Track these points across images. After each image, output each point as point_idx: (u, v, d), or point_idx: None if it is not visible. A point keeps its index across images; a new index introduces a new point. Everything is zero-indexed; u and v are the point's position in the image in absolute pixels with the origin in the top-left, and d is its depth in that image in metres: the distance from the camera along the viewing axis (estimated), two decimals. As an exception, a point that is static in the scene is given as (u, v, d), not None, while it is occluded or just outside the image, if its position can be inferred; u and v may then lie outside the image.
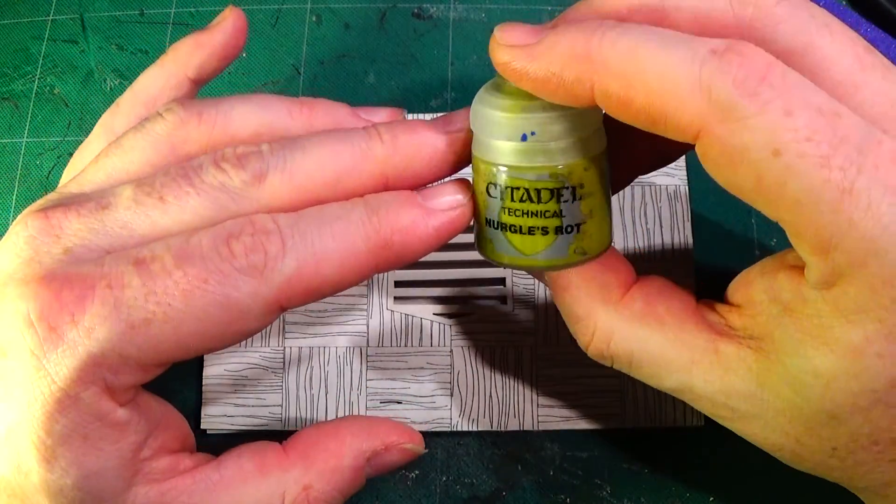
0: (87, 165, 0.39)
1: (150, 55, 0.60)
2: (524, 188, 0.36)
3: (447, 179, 0.39)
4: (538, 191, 0.35)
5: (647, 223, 0.53)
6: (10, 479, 0.34)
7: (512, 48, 0.36)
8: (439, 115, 0.41)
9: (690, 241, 0.53)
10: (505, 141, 0.35)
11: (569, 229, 0.36)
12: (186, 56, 0.44)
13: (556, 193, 0.35)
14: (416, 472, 0.51)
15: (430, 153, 0.38)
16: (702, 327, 0.37)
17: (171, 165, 0.37)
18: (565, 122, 0.34)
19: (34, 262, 0.35)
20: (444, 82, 0.58)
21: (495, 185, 0.36)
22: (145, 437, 0.36)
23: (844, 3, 0.58)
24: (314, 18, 0.59)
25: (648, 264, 0.52)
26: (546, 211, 0.36)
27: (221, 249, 0.34)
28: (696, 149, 0.32)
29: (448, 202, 0.38)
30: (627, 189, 0.53)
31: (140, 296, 0.33)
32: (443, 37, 0.59)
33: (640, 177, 0.45)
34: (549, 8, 0.59)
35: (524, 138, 0.35)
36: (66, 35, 0.60)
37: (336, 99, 0.53)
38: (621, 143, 0.39)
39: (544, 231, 0.36)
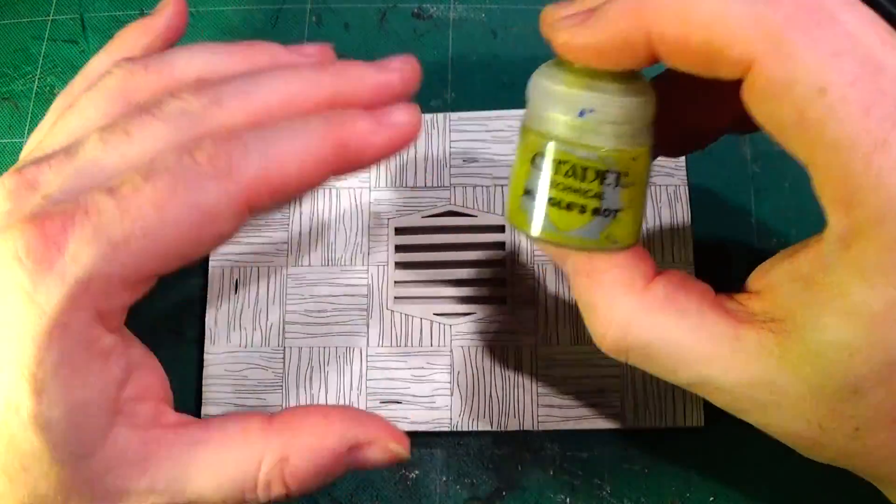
0: (45, 133, 0.41)
1: (149, 55, 0.59)
2: (571, 164, 0.36)
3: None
4: (584, 169, 0.36)
5: (646, 223, 0.53)
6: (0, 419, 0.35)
7: (569, 29, 0.36)
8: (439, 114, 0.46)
9: (690, 241, 0.53)
10: (561, 115, 0.36)
11: (606, 213, 0.36)
12: (133, 40, 0.45)
13: (600, 175, 0.36)
14: (417, 472, 0.51)
15: (373, 84, 0.40)
16: (722, 316, 0.36)
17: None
18: (623, 108, 0.35)
19: (15, 211, 0.36)
20: (444, 82, 0.58)
21: (542, 156, 0.37)
22: (127, 374, 0.38)
23: None
24: (314, 18, 0.59)
25: None
26: (588, 190, 0.36)
27: (185, 160, 0.35)
28: (744, 84, 0.32)
29: (400, 118, 0.40)
30: None
31: (116, 216, 0.34)
32: (443, 37, 0.59)
33: None
34: None
35: (581, 114, 0.35)
36: (66, 35, 0.59)
37: None
38: (675, 119, 0.40)
39: (582, 210, 0.36)
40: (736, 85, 0.33)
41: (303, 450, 0.39)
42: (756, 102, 0.32)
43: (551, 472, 0.51)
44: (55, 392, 0.34)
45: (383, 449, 0.41)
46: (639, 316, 0.37)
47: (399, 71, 0.42)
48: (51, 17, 0.60)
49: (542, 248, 0.41)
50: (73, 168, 0.37)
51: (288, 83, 0.40)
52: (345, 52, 0.57)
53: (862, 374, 0.32)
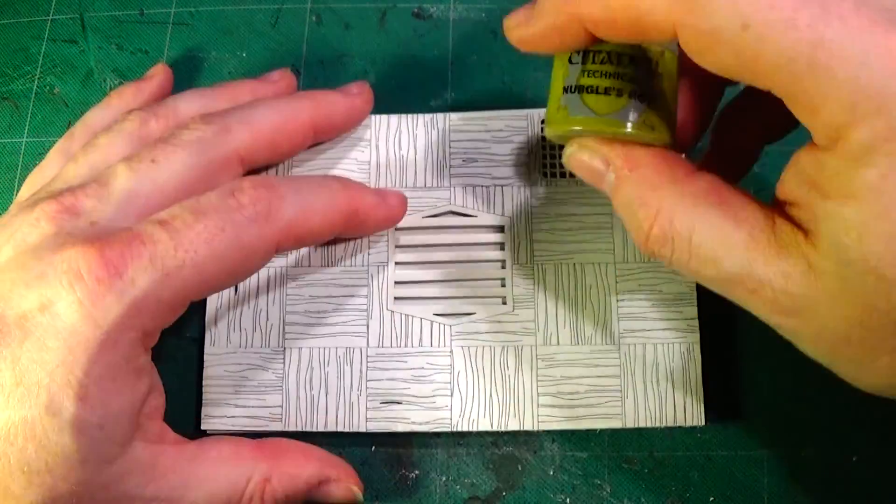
0: (66, 165, 0.46)
1: (149, 55, 0.59)
2: (605, 51, 0.40)
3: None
4: (619, 55, 0.40)
5: None
6: (35, 420, 0.38)
7: (517, 27, 0.40)
8: (439, 114, 0.54)
9: None
10: None
11: (641, 98, 0.39)
12: (130, 97, 0.53)
13: (634, 60, 0.40)
14: (416, 472, 0.51)
15: (343, 108, 0.52)
16: (760, 207, 0.37)
17: None
18: None
19: (63, 234, 0.40)
20: (444, 82, 0.58)
21: (578, 51, 0.40)
22: (148, 392, 0.42)
23: None
24: (314, 18, 0.59)
25: (649, 264, 0.52)
26: (624, 74, 0.39)
27: (230, 202, 0.41)
28: (679, 45, 0.34)
29: (395, 201, 0.51)
30: None
31: (170, 248, 0.39)
32: (443, 37, 0.59)
33: None
34: None
35: None
36: (66, 35, 0.59)
37: None
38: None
39: (619, 93, 0.39)
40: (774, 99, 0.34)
41: (283, 476, 0.46)
42: (696, 57, 0.34)
43: (551, 472, 0.51)
44: (96, 400, 0.38)
45: (346, 489, 0.48)
46: (684, 204, 0.38)
47: (360, 95, 0.53)
48: (51, 17, 0.59)
49: (580, 156, 0.41)
50: (109, 196, 0.42)
51: (279, 112, 0.49)
52: (345, 52, 0.58)
53: (878, 253, 0.32)
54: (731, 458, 0.50)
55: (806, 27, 0.31)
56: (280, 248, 0.44)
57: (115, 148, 0.46)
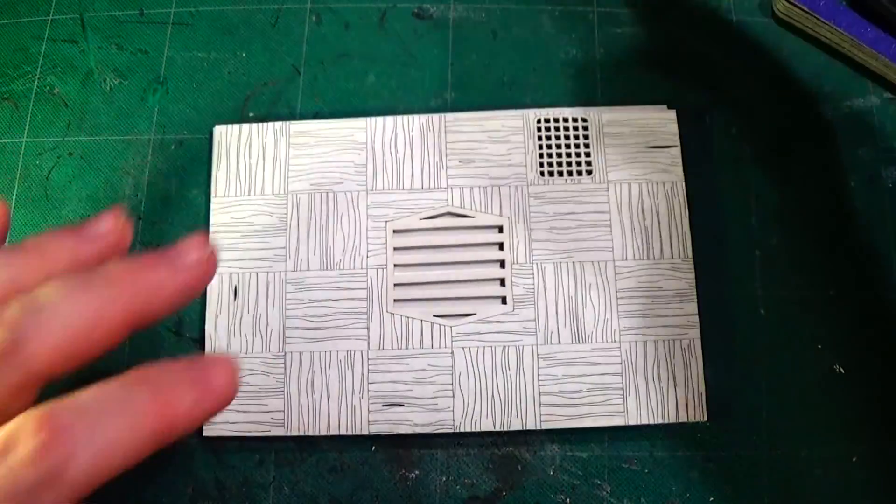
0: None
1: (149, 55, 0.59)
2: None
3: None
4: None
5: (644, 220, 0.53)
6: None
7: None
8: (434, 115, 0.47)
9: (689, 237, 0.52)
10: None
11: None
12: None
13: None
14: (416, 472, 0.51)
15: (169, 292, 0.37)
16: None
17: None
18: None
19: None
20: (444, 82, 0.57)
21: None
22: None
23: (844, 3, 0.57)
24: (314, 18, 0.59)
25: (648, 261, 0.52)
26: None
27: (9, 477, 0.30)
28: None
29: (224, 379, 0.36)
30: (624, 185, 0.53)
31: None
32: (443, 37, 0.58)
33: (634, 171, 0.50)
34: (549, 8, 0.58)
35: None
36: (65, 35, 0.59)
37: (336, 99, 0.55)
38: None
39: None
40: None
41: None
42: None
43: (551, 472, 0.51)
44: None
45: None
46: None
47: (196, 267, 0.38)
48: (51, 17, 0.59)
49: None
50: None
51: (88, 308, 0.35)
52: (345, 52, 0.57)
53: None
54: (731, 458, 0.50)
55: None
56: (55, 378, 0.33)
57: None
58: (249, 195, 0.53)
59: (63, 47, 0.59)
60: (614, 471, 0.50)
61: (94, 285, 0.35)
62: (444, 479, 0.51)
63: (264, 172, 0.53)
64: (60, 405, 0.32)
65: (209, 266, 0.38)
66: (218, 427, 0.50)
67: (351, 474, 0.51)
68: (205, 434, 0.50)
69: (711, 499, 0.50)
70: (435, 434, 0.51)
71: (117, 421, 0.33)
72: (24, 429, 0.31)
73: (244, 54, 0.58)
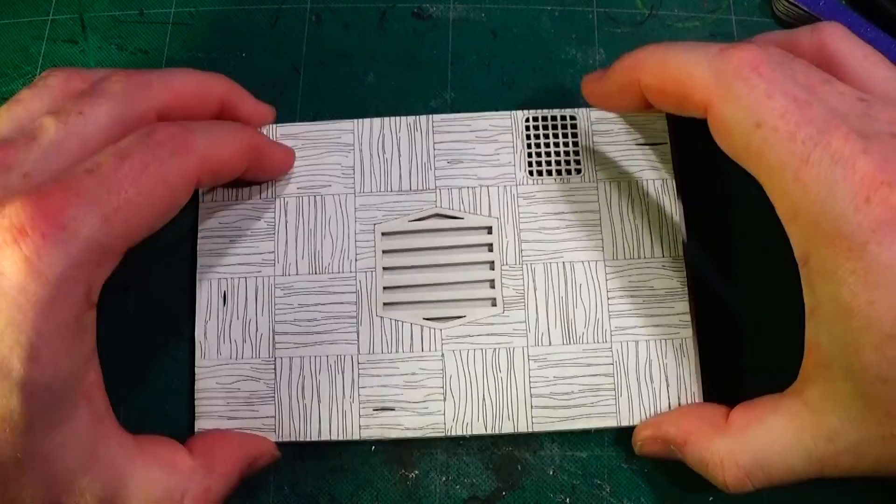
0: None
1: (149, 55, 0.56)
2: None
3: None
4: None
5: (635, 218, 0.50)
6: None
7: (591, 82, 0.48)
8: (422, 116, 0.52)
9: (680, 235, 0.49)
10: None
11: None
12: None
13: None
14: (416, 472, 0.49)
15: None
16: (790, 399, 0.40)
17: None
18: None
19: None
20: (444, 82, 0.55)
21: None
22: (92, 353, 0.39)
23: (844, 2, 0.54)
24: (314, 18, 0.56)
25: (639, 260, 0.49)
26: None
27: (149, 141, 0.39)
28: (708, 123, 0.39)
29: (286, 148, 0.51)
30: (614, 183, 0.50)
31: (103, 192, 0.37)
32: (443, 37, 0.56)
33: (624, 169, 0.50)
34: (549, 8, 0.56)
35: None
36: (66, 35, 0.56)
37: (336, 99, 0.54)
38: None
39: None
40: None
41: (221, 478, 0.44)
42: (716, 135, 0.39)
43: (551, 472, 0.49)
44: (47, 361, 0.35)
45: (270, 456, 0.47)
46: (736, 445, 0.41)
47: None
48: (51, 17, 0.57)
49: (648, 448, 0.46)
50: (39, 149, 0.39)
51: (196, 77, 0.47)
52: (345, 52, 0.55)
53: (873, 363, 0.35)
54: None
55: (801, 142, 0.35)
56: (200, 182, 0.43)
57: (39, 103, 0.42)
58: (237, 200, 0.50)
59: (63, 47, 0.56)
60: (614, 471, 0.49)
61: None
62: (444, 479, 0.49)
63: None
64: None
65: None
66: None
67: (351, 474, 0.49)
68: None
69: (711, 499, 0.48)
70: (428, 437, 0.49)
71: (222, 127, 0.45)
72: (158, 125, 0.41)
73: (244, 54, 0.56)
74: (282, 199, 0.50)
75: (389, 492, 0.49)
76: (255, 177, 0.50)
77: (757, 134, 0.36)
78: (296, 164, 0.51)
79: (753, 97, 0.37)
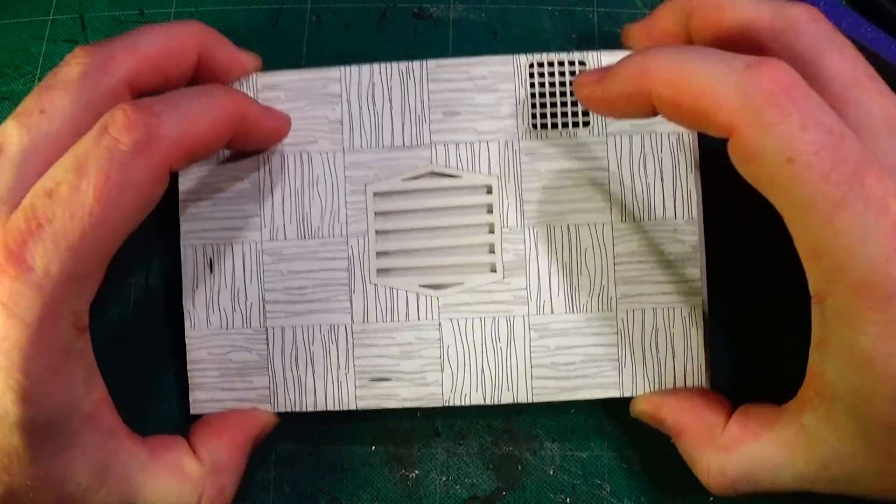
0: None
1: (149, 55, 0.55)
2: None
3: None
4: None
5: (646, 176, 0.46)
6: None
7: (588, 85, 0.41)
8: (415, 62, 0.49)
9: (695, 195, 0.46)
10: None
11: None
12: None
13: None
14: (416, 472, 0.49)
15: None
16: (787, 418, 0.40)
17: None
18: None
19: None
20: (444, 82, 0.53)
21: None
22: (91, 375, 0.39)
23: (844, 2, 0.52)
24: (314, 18, 0.54)
25: (649, 223, 0.46)
26: None
27: (106, 142, 0.36)
28: (728, 143, 0.36)
29: (280, 115, 0.47)
30: (625, 137, 0.47)
31: (66, 220, 0.35)
32: (443, 37, 0.53)
33: (637, 124, 0.47)
34: (549, 8, 0.53)
35: None
36: (66, 35, 0.54)
37: None
38: None
39: None
40: None
41: (231, 473, 0.44)
42: (737, 160, 0.36)
43: (551, 472, 0.48)
44: (40, 398, 0.36)
45: (270, 427, 0.47)
46: (727, 458, 0.41)
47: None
48: (51, 17, 0.55)
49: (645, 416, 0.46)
50: (10, 164, 0.38)
51: (166, 34, 0.43)
52: (345, 52, 0.53)
53: (885, 412, 0.35)
54: None
55: (835, 183, 0.33)
56: (174, 168, 0.39)
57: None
58: (218, 158, 0.48)
59: (63, 47, 0.55)
60: (614, 471, 0.48)
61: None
62: (444, 479, 0.49)
63: None
64: (150, 98, 0.39)
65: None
66: (205, 405, 0.47)
67: (351, 474, 0.49)
68: (193, 412, 0.47)
69: (711, 499, 0.47)
70: (435, 433, 0.49)
71: (197, 99, 0.40)
72: (117, 112, 0.37)
73: (244, 55, 0.54)
74: (265, 157, 0.48)
75: (389, 492, 0.49)
76: (244, 148, 0.47)
77: (787, 169, 0.34)
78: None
79: (787, 128, 0.34)
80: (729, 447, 0.41)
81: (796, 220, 0.35)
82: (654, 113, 0.38)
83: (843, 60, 0.38)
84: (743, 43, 0.38)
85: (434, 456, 0.49)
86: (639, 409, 0.46)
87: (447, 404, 0.46)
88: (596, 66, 0.47)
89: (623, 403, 0.47)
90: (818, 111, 0.34)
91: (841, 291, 0.34)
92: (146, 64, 0.42)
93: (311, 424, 0.49)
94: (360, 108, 0.47)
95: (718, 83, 0.35)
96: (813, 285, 0.36)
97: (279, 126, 0.46)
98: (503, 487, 0.48)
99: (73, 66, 0.40)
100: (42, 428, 0.36)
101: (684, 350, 0.46)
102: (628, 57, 0.39)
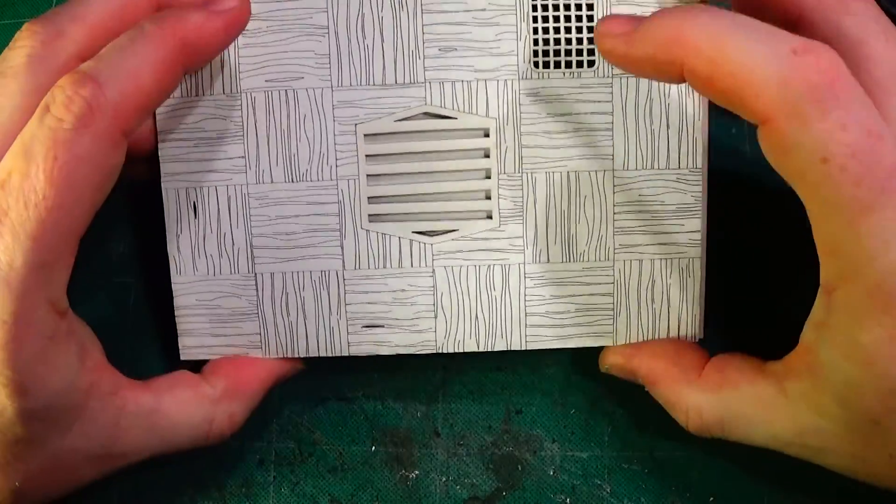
0: None
1: (149, 56, 0.53)
2: None
3: None
4: None
5: (652, 122, 0.44)
6: None
7: (614, 37, 0.38)
8: None
9: (701, 144, 0.44)
10: None
11: None
12: None
13: None
14: (416, 472, 0.49)
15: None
16: (770, 379, 0.39)
17: None
18: None
19: None
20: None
21: None
22: (83, 350, 0.39)
23: None
24: (314, 18, 0.54)
25: (652, 171, 0.44)
26: None
27: (49, 122, 0.35)
28: (759, 130, 0.34)
29: (229, 3, 0.40)
30: (632, 80, 0.44)
31: (22, 209, 0.34)
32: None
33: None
34: None
35: None
36: (66, 35, 0.54)
37: None
38: None
39: None
40: None
41: (244, 402, 0.45)
42: (767, 148, 0.34)
43: (551, 472, 0.48)
44: (35, 387, 0.36)
45: (297, 371, 0.47)
46: (705, 399, 0.42)
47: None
48: (50, 17, 0.54)
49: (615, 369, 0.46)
50: None
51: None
52: None
53: (873, 408, 0.35)
54: (730, 458, 0.47)
55: (867, 188, 0.32)
56: (130, 129, 0.37)
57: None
58: (197, 96, 0.44)
59: (63, 47, 0.54)
60: (614, 471, 0.48)
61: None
62: (444, 479, 0.49)
63: (211, 67, 0.44)
64: (81, 65, 0.36)
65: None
66: (195, 351, 0.46)
67: (351, 474, 0.49)
68: (183, 358, 0.47)
69: (711, 499, 0.47)
70: (435, 433, 0.49)
71: (129, 49, 0.37)
72: (56, 90, 0.35)
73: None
74: (248, 94, 0.44)
75: (389, 492, 0.49)
76: (205, 64, 0.44)
77: (820, 168, 0.32)
78: (261, 52, 0.45)
79: (825, 126, 0.32)
80: (706, 389, 0.42)
81: (820, 215, 0.34)
82: (681, 81, 0.36)
83: (887, 48, 0.36)
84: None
85: (434, 456, 0.49)
86: (609, 361, 0.45)
87: (441, 351, 0.46)
88: (606, 3, 0.44)
89: (623, 403, 0.48)
90: (859, 108, 0.33)
91: (852, 289, 0.34)
92: (98, 32, 0.39)
93: (312, 424, 0.49)
94: (349, 41, 0.44)
95: (759, 67, 0.33)
96: (824, 276, 0.35)
97: (233, 20, 0.41)
98: (503, 488, 0.48)
99: (18, 50, 0.38)
100: (42, 415, 0.37)
101: (680, 302, 0.45)
102: (661, 15, 0.36)
